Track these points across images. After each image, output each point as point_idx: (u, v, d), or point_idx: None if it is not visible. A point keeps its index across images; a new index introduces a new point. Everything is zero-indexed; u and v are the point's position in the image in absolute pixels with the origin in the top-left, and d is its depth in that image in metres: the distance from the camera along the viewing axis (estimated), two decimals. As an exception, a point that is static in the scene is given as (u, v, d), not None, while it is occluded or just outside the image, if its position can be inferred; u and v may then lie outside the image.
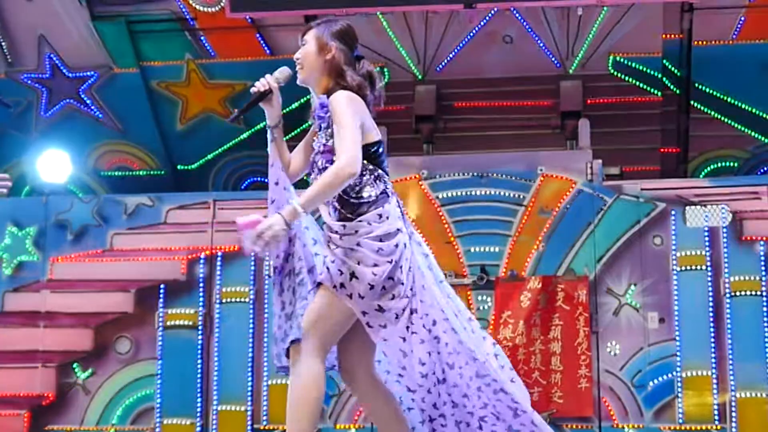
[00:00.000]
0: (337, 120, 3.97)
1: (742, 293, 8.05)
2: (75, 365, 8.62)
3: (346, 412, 8.20)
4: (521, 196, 8.39)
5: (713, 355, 7.99)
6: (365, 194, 4.02)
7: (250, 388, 8.40)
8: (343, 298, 3.92)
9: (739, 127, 9.50)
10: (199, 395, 8.44)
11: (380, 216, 3.98)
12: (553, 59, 9.47)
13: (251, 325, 8.45)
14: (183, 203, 8.77)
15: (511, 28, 9.36)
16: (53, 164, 9.22)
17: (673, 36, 9.37)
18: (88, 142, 9.88)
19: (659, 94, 9.48)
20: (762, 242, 8.10)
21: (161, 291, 8.61)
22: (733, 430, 7.90)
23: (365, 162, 4.02)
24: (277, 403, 8.18)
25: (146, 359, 8.57)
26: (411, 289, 4.00)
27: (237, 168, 9.91)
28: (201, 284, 8.59)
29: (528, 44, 9.39)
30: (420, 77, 9.63)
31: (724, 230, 8.13)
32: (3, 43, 9.58)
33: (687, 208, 8.20)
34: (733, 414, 7.92)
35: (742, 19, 9.12)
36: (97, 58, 9.59)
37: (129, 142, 9.97)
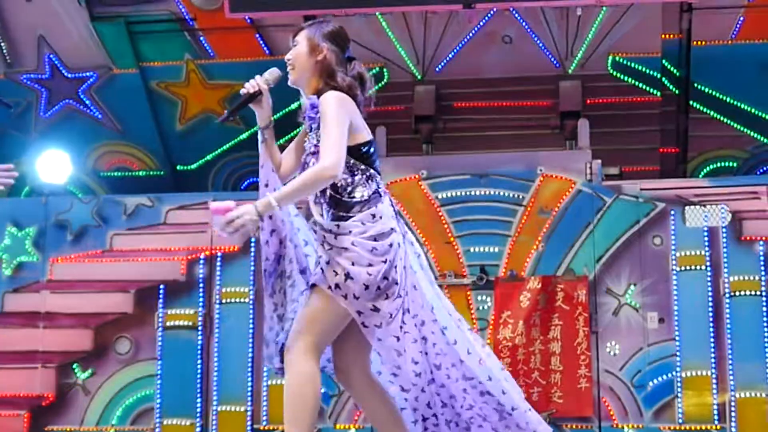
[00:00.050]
0: (324, 120, 3.98)
1: (742, 293, 8.05)
2: (75, 365, 8.62)
3: (346, 412, 8.21)
4: (521, 196, 8.40)
5: (713, 355, 7.99)
6: (357, 194, 4.03)
7: (249, 389, 8.41)
8: (338, 299, 3.92)
9: (739, 127, 9.49)
10: (198, 395, 8.45)
11: (374, 216, 3.99)
12: (552, 59, 9.47)
13: (251, 326, 8.45)
14: (183, 203, 8.78)
15: (511, 28, 9.35)
16: (53, 165, 9.23)
17: (672, 36, 9.37)
18: (88, 142, 9.87)
19: (658, 94, 9.48)
20: (761, 242, 8.11)
21: (161, 291, 8.61)
22: (733, 430, 7.90)
23: (357, 162, 4.04)
24: (277, 404, 8.15)
25: (146, 359, 8.57)
26: (404, 289, 4.00)
27: (236, 168, 9.90)
28: (201, 284, 8.59)
29: (527, 44, 9.39)
30: (419, 77, 9.63)
31: (724, 230, 8.14)
32: (2, 44, 9.58)
33: (686, 208, 8.21)
34: (733, 414, 7.93)
35: (741, 19, 9.11)
36: (96, 59, 9.58)
37: (128, 143, 9.96)
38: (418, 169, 8.58)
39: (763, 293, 8.04)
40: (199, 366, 8.46)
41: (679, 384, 8.01)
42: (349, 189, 4.03)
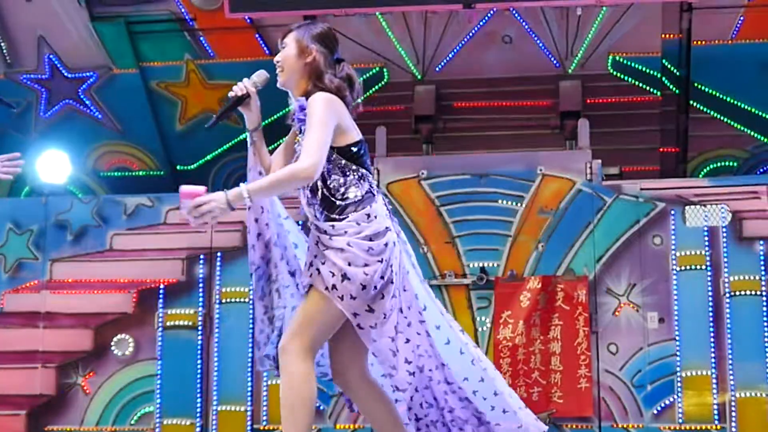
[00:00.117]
0: (309, 121, 3.97)
1: (742, 293, 8.05)
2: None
3: (346, 412, 8.20)
4: (521, 197, 8.40)
5: (713, 354, 7.99)
6: (351, 195, 4.03)
7: (249, 389, 8.41)
8: (335, 300, 3.92)
9: (739, 126, 9.49)
10: (198, 395, 8.45)
11: (368, 215, 3.99)
12: (552, 59, 9.47)
13: (251, 325, 8.43)
14: (183, 203, 8.76)
15: (511, 28, 9.35)
16: (53, 165, 9.23)
17: (672, 36, 9.37)
18: (88, 142, 9.87)
19: (658, 93, 9.48)
20: (762, 242, 8.11)
21: (161, 291, 8.61)
22: (733, 429, 7.90)
23: (348, 162, 4.04)
24: (277, 404, 8.00)
25: (146, 359, 8.57)
26: (398, 288, 4.01)
27: (236, 168, 9.89)
28: (201, 284, 8.59)
29: (527, 44, 9.39)
30: (419, 77, 9.63)
31: (724, 230, 8.13)
32: (2, 44, 9.58)
33: (686, 207, 8.21)
34: (733, 414, 7.92)
35: (741, 18, 9.11)
36: (96, 59, 9.58)
37: (128, 143, 9.96)
38: (418, 169, 8.57)
39: (763, 293, 8.04)
40: (199, 366, 8.46)
41: (679, 384, 8.01)
42: (342, 190, 4.03)
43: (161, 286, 8.62)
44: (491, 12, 9.24)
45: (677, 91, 9.57)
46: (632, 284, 8.15)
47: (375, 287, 3.92)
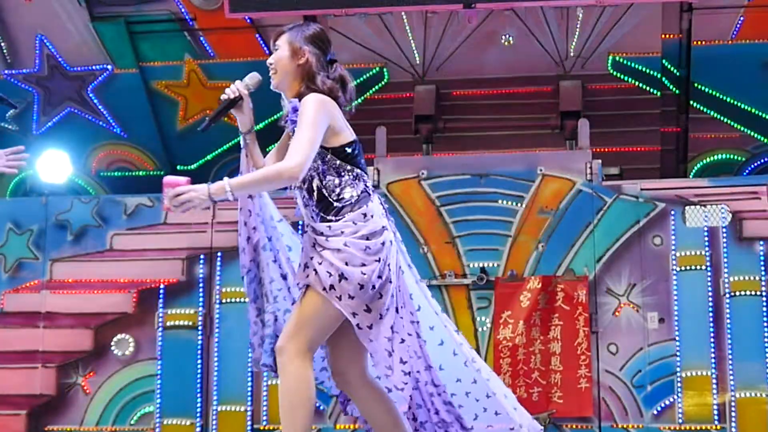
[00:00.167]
0: (300, 121, 3.97)
1: (742, 293, 8.05)
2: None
3: (346, 412, 8.19)
4: (521, 197, 8.39)
5: (713, 355, 7.99)
6: (347, 195, 4.03)
7: (249, 389, 8.40)
8: (333, 300, 3.91)
9: (739, 127, 9.50)
10: (199, 396, 8.44)
11: (365, 215, 4.00)
12: (552, 59, 9.47)
13: (251, 326, 8.44)
14: (183, 203, 8.75)
15: (511, 28, 9.35)
16: (53, 165, 9.23)
17: (672, 36, 9.37)
18: (88, 142, 9.88)
19: (659, 94, 9.48)
20: (762, 242, 8.10)
21: (161, 291, 8.61)
22: (733, 430, 7.90)
23: (342, 163, 4.04)
24: (277, 404, 8.11)
25: (146, 359, 8.57)
26: (395, 287, 4.01)
27: (237, 168, 9.88)
28: (201, 284, 8.59)
29: (527, 44, 9.39)
30: (419, 77, 9.63)
31: (724, 230, 8.13)
32: (2, 44, 9.58)
33: (687, 208, 8.20)
34: (733, 414, 7.92)
35: (742, 18, 9.11)
36: (96, 59, 9.59)
37: (128, 143, 9.96)
38: (418, 169, 8.57)
39: (763, 293, 8.03)
40: (199, 366, 8.46)
41: (679, 384, 8.00)
42: (338, 191, 4.03)
43: (161, 286, 8.62)
44: (491, 12, 9.24)
45: (677, 91, 9.57)
46: (632, 284, 8.15)
47: (373, 287, 3.91)
